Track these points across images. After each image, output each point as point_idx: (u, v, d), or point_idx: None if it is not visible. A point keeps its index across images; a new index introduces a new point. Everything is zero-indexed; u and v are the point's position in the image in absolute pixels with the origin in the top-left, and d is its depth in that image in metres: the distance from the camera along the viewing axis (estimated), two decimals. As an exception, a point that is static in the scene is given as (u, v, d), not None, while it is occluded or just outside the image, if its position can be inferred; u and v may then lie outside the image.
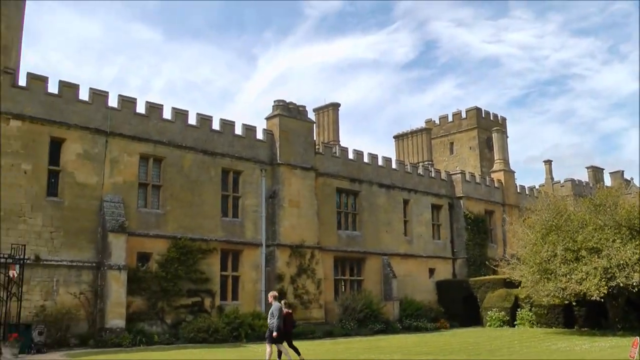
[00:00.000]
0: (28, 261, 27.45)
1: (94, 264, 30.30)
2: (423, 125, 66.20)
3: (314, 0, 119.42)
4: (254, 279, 36.26)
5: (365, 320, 38.17)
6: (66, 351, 26.63)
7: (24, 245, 26.91)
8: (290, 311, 21.37)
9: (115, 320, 29.37)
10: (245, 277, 36.08)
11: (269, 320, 20.09)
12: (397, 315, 41.85)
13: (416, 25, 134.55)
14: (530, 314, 39.54)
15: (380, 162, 45.74)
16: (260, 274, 36.50)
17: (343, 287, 41.88)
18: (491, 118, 67.88)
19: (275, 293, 21.21)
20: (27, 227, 28.82)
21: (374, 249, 43.51)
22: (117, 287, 29.77)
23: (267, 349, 20.04)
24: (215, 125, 36.27)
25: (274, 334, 19.63)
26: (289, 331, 20.77)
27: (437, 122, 69.81)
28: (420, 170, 49.11)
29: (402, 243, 45.94)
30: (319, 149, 41.87)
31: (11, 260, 26.22)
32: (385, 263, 43.50)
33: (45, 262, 28.95)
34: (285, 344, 20.22)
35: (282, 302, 21.11)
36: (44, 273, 28.93)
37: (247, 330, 32.20)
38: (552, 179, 72.62)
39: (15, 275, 26.19)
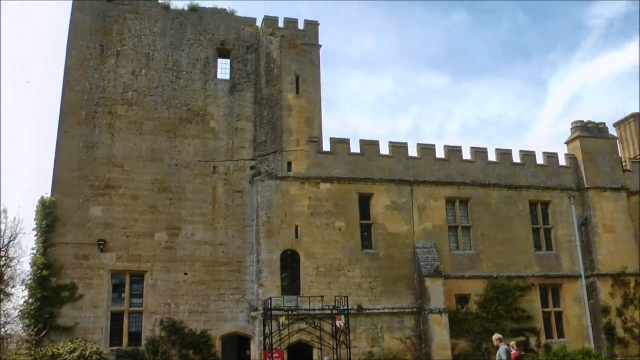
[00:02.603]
0: (352, 311, 29.35)
1: (414, 309, 31.11)
2: None
3: (598, 5, 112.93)
4: (577, 314, 34.33)
5: None
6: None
7: (347, 297, 28.90)
8: (522, 354, 20.17)
9: (442, 363, 29.68)
10: (568, 312, 34.31)
11: None
12: None
13: None
14: None
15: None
16: (583, 307, 34.48)
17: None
18: None
19: (499, 335, 20.24)
20: (347, 279, 30.68)
21: None
22: (439, 330, 30.18)
23: None
24: (516, 158, 35.67)
25: None
26: None
27: None
28: None
29: None
30: (626, 165, 39.00)
31: (336, 311, 28.09)
32: None
33: (367, 311, 30.41)
34: None
35: (511, 343, 20.83)
36: (367, 321, 30.39)
37: (579, 369, 30.49)
38: None
39: (342, 324, 27.88)
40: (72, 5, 31.73)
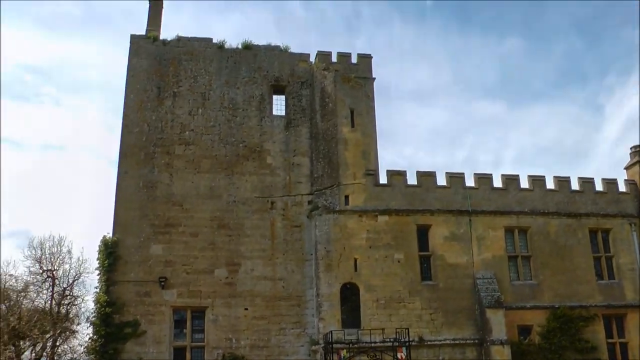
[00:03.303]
0: (413, 343, 29.09)
1: (475, 341, 30.73)
2: None
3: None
4: (643, 345, 33.44)
5: None
6: None
7: (407, 329, 28.75)
8: None
9: (506, 395, 29.23)
10: (634, 343, 33.15)
11: None
12: None
13: None
14: None
15: None
16: (649, 338, 33.60)
17: None
18: None
19: None
20: (408, 311, 30.53)
21: None
22: (502, 362, 29.80)
23: None
24: (574, 186, 35.03)
25: None
26: None
27: None
28: None
29: None
30: (687, 190, 38.20)
31: (398, 343, 28.06)
32: None
33: (429, 343, 30.17)
34: None
35: None
36: (429, 353, 30.12)
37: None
38: None
39: (404, 357, 27.88)
40: (129, 50, 32.74)
